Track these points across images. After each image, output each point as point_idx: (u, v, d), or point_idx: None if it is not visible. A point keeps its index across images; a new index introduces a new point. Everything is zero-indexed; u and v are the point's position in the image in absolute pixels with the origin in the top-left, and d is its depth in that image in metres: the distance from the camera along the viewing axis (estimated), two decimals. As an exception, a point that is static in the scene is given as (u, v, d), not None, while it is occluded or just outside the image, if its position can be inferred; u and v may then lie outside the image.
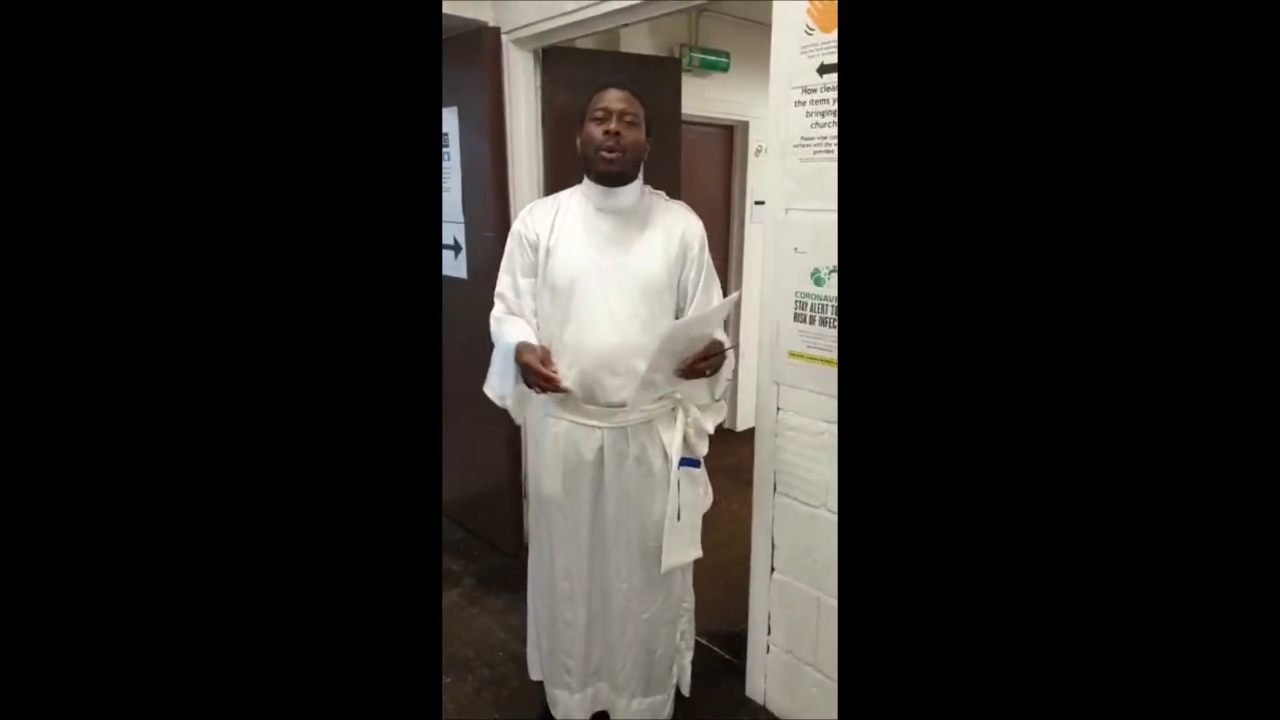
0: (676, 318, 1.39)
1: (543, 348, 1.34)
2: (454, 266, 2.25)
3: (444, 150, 2.19)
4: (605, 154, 1.32)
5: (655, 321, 1.34)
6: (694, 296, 1.38)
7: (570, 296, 1.34)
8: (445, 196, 2.23)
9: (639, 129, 1.35)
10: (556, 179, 2.06)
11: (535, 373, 1.28)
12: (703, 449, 1.42)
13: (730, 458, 2.97)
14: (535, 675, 1.64)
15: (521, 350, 1.32)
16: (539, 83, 2.06)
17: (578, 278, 1.33)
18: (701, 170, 3.07)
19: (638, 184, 1.39)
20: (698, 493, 1.42)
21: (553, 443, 1.41)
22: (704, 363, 1.26)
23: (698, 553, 1.44)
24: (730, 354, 1.32)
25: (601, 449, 1.37)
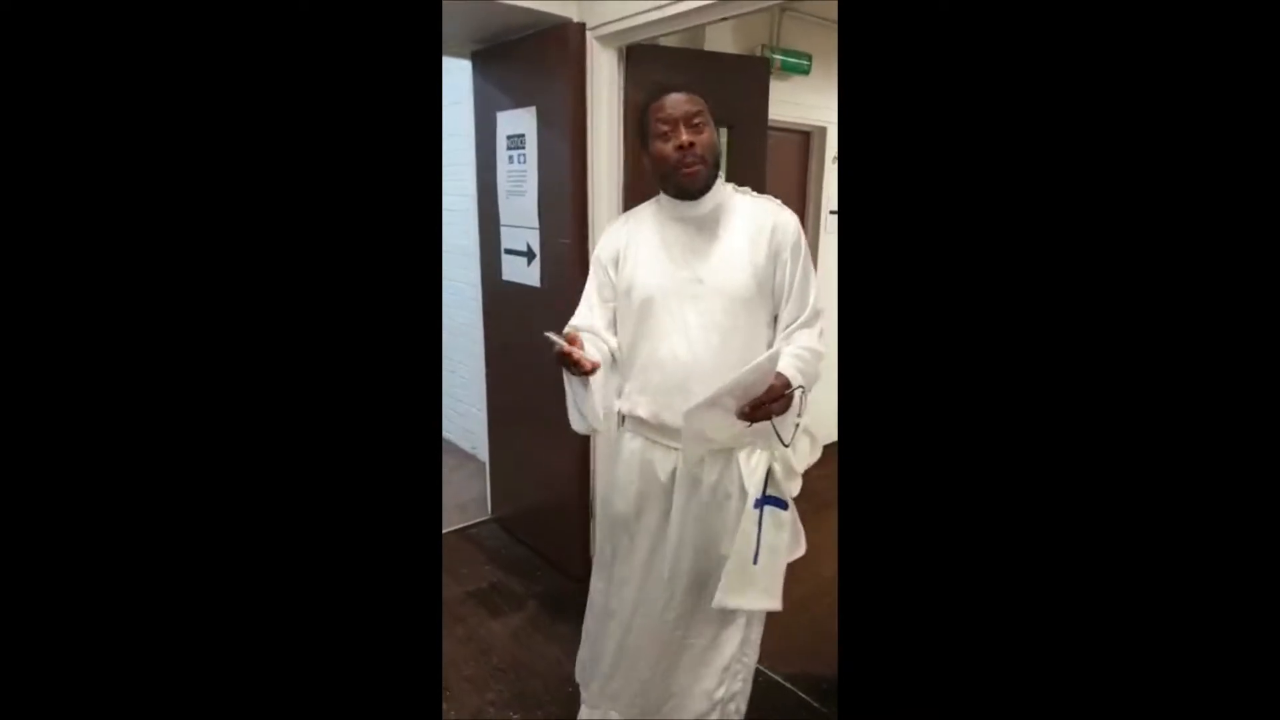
0: (776, 322, 1.27)
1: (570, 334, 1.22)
2: (527, 274, 2.16)
3: (519, 152, 2.10)
4: (685, 170, 1.21)
5: (739, 334, 1.22)
6: (789, 299, 1.24)
7: (644, 316, 1.26)
8: (520, 201, 2.14)
9: (709, 127, 1.23)
10: (636, 187, 1.96)
11: (559, 352, 1.14)
12: (792, 489, 1.27)
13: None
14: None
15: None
16: (622, 82, 1.96)
17: (652, 295, 1.25)
18: (776, 177, 2.93)
19: (719, 184, 1.27)
20: (782, 538, 1.26)
21: (628, 458, 1.33)
22: (766, 407, 1.10)
23: (775, 604, 1.27)
24: (798, 394, 1.15)
25: (675, 471, 1.27)
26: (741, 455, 1.24)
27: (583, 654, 1.54)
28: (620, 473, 1.35)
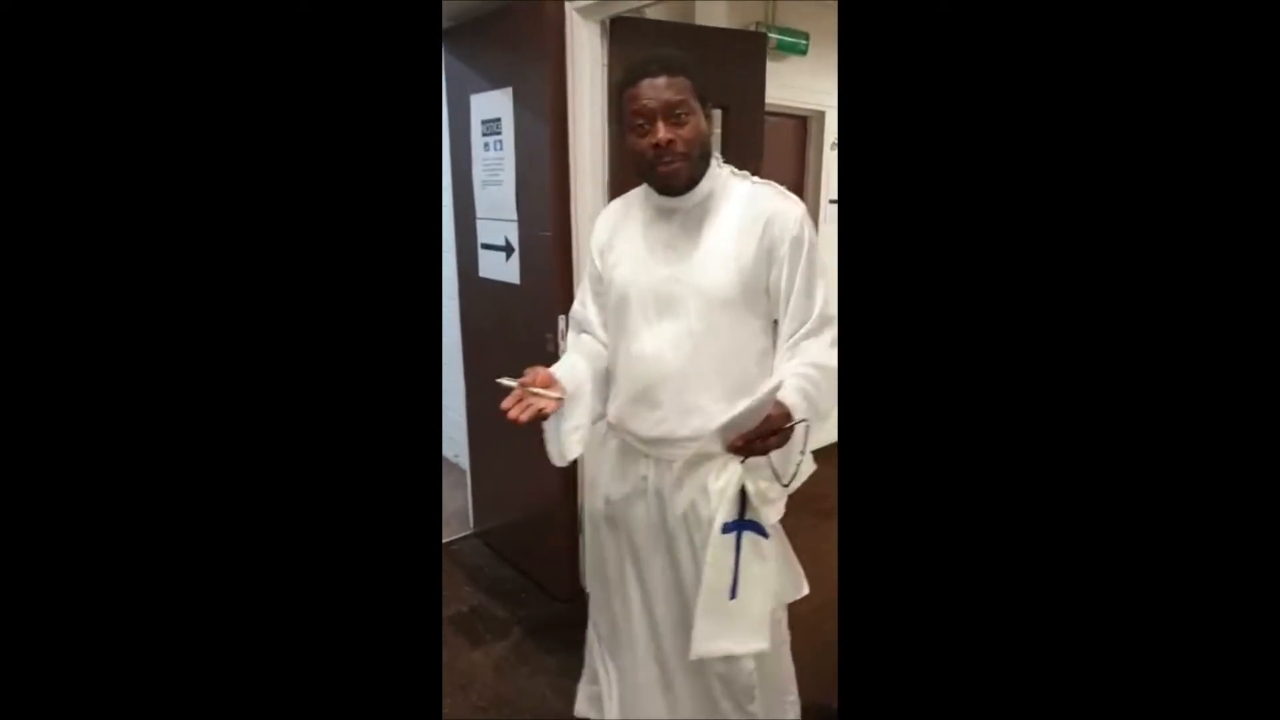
0: (776, 325, 1.11)
1: (545, 373, 1.10)
2: (505, 270, 1.98)
3: (495, 138, 1.93)
4: (662, 169, 1.05)
5: (717, 342, 1.07)
6: (789, 304, 1.07)
7: (620, 314, 1.14)
8: (496, 190, 1.97)
9: (694, 115, 1.04)
10: (622, 173, 1.79)
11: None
12: (771, 514, 1.08)
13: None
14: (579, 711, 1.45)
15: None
16: (605, 60, 1.79)
17: (628, 292, 1.13)
18: (772, 165, 2.77)
19: (711, 172, 1.10)
20: (768, 570, 1.09)
21: (609, 456, 1.23)
22: (764, 440, 0.94)
23: (761, 644, 1.09)
24: (801, 429, 0.97)
25: (647, 479, 1.15)
26: (711, 471, 1.07)
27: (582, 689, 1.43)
28: (603, 470, 1.25)
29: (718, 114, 2.04)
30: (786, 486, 1.03)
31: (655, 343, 1.10)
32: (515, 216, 1.92)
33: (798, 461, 1.00)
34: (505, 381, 1.04)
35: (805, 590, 1.18)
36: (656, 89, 1.02)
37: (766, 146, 2.55)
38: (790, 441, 0.97)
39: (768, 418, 0.94)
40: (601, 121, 1.80)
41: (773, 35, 2.45)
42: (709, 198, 1.10)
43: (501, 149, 1.92)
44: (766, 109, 2.26)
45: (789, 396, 0.98)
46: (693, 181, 1.08)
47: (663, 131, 1.02)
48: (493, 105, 1.92)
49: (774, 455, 0.98)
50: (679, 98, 1.02)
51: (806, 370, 1.03)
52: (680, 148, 1.03)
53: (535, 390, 1.04)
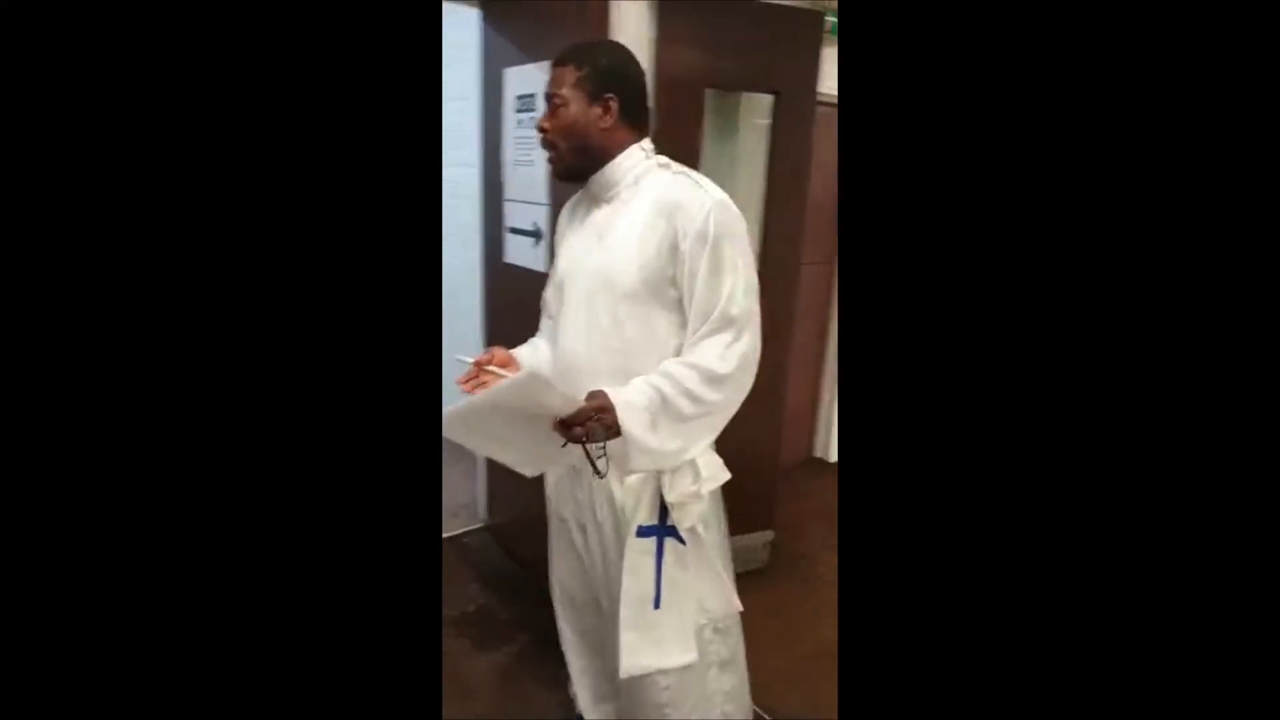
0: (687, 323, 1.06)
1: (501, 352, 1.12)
2: (532, 257, 1.88)
3: (530, 115, 1.82)
4: (547, 156, 1.10)
5: (617, 336, 1.05)
6: (692, 300, 1.01)
7: (558, 300, 1.15)
8: (528, 172, 1.86)
9: (567, 105, 1.05)
10: (668, 155, 1.68)
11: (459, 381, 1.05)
12: (685, 518, 1.04)
13: (824, 495, 2.54)
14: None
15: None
16: (653, 36, 1.67)
17: (562, 280, 1.14)
18: (816, 155, 2.63)
19: (618, 162, 1.06)
20: (685, 578, 1.07)
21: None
22: (572, 429, 0.94)
23: (688, 657, 1.08)
24: (639, 427, 0.97)
25: (577, 469, 1.15)
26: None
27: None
28: None
29: (737, 99, 1.91)
30: (601, 477, 0.99)
31: (572, 333, 1.10)
32: (547, 200, 1.81)
33: (599, 451, 0.96)
34: (462, 358, 1.04)
35: (738, 606, 1.16)
36: (553, 75, 1.06)
37: (813, 135, 2.41)
38: (628, 437, 0.96)
39: (580, 409, 0.93)
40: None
41: (829, 18, 2.29)
42: (629, 189, 1.07)
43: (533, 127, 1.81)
44: (818, 98, 2.12)
45: (621, 394, 0.97)
46: (574, 172, 1.09)
47: (541, 118, 1.07)
48: (528, 80, 1.81)
49: (589, 449, 0.96)
50: (554, 89, 1.05)
51: (678, 369, 1.00)
52: (549, 136, 1.06)
53: (491, 369, 1.04)
